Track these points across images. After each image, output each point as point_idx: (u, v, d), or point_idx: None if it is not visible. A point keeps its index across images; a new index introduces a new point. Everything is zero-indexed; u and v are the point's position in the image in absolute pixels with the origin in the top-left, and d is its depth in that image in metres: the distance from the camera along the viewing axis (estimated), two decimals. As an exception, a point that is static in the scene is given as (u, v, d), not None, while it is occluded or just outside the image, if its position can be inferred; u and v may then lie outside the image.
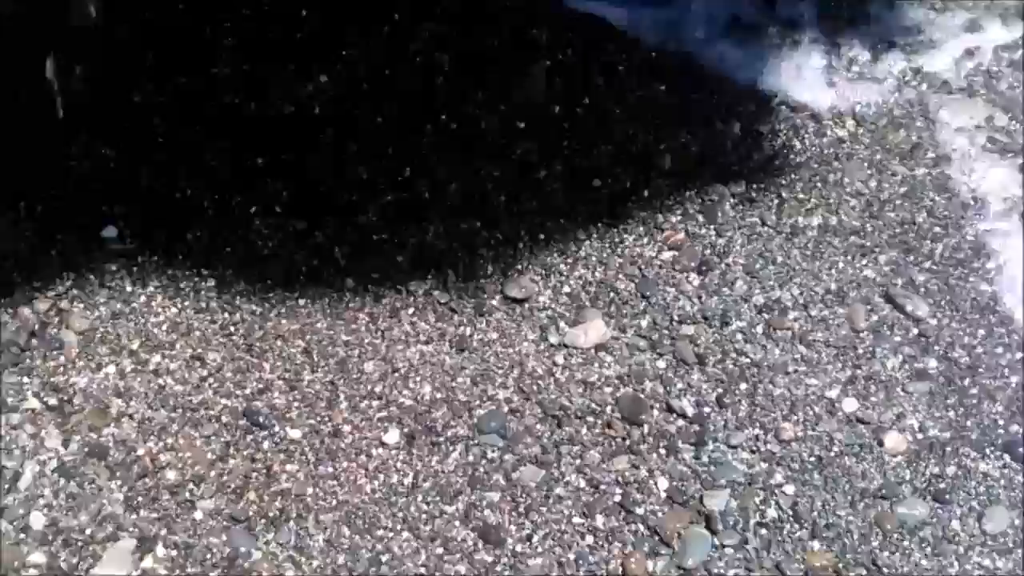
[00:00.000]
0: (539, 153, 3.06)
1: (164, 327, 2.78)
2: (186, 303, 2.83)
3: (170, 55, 3.22)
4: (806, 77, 3.16)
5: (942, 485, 2.50)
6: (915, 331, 2.71)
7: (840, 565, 2.40)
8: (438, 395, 2.67)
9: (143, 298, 2.83)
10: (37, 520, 2.45)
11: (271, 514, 2.47)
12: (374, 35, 3.28)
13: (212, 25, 3.27)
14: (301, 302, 2.82)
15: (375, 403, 2.65)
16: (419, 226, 2.93)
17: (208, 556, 2.42)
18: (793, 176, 2.97)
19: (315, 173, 3.02)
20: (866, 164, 2.97)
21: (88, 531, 2.44)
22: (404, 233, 2.93)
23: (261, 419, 2.61)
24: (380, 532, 2.46)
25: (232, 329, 2.77)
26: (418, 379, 2.69)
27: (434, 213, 2.96)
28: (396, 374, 2.70)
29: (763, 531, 2.46)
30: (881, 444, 2.56)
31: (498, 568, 2.41)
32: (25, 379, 2.66)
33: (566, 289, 2.84)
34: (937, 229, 2.85)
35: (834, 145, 3.01)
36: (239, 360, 2.72)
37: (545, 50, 3.25)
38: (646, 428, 2.61)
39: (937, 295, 2.76)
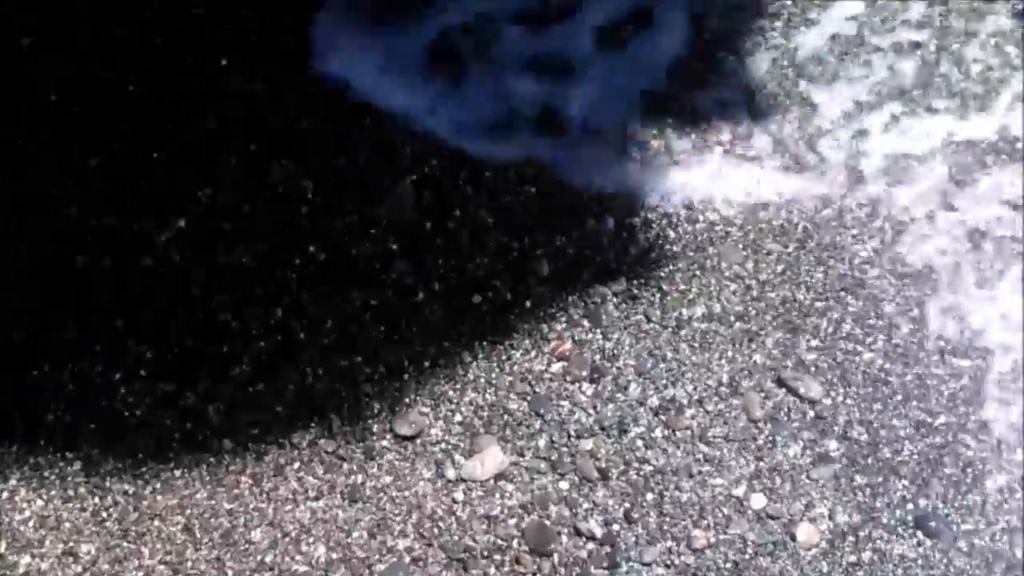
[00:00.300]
0: (415, 274, 2.96)
1: (31, 523, 2.57)
2: (52, 493, 2.62)
3: (8, 215, 3.05)
4: (674, 164, 3.14)
5: (860, 574, 2.45)
6: (811, 414, 2.67)
7: (771, 676, 2.32)
8: (334, 555, 2.52)
9: (5, 494, 2.61)
10: None
11: None
12: (231, 169, 3.16)
13: (53, 178, 3.12)
14: (177, 473, 2.64)
15: (266, 575, 2.49)
16: (297, 371, 2.80)
17: None
18: (671, 267, 2.93)
19: (180, 328, 2.87)
20: (741, 246, 2.95)
21: None
22: (281, 381, 2.78)
23: (144, 614, 2.42)
24: None
25: (105, 515, 2.58)
26: (311, 540, 2.54)
27: (311, 354, 2.82)
28: (287, 539, 2.54)
29: (689, 652, 2.36)
30: (794, 539, 2.50)
31: None
32: None
33: (457, 418, 2.73)
34: (819, 304, 2.84)
35: (708, 230, 2.98)
36: (115, 548, 2.52)
37: (410, 165, 3.18)
38: (556, 558, 2.50)
39: (828, 372, 2.73)
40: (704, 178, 3.10)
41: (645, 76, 3.36)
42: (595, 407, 2.72)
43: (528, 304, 2.89)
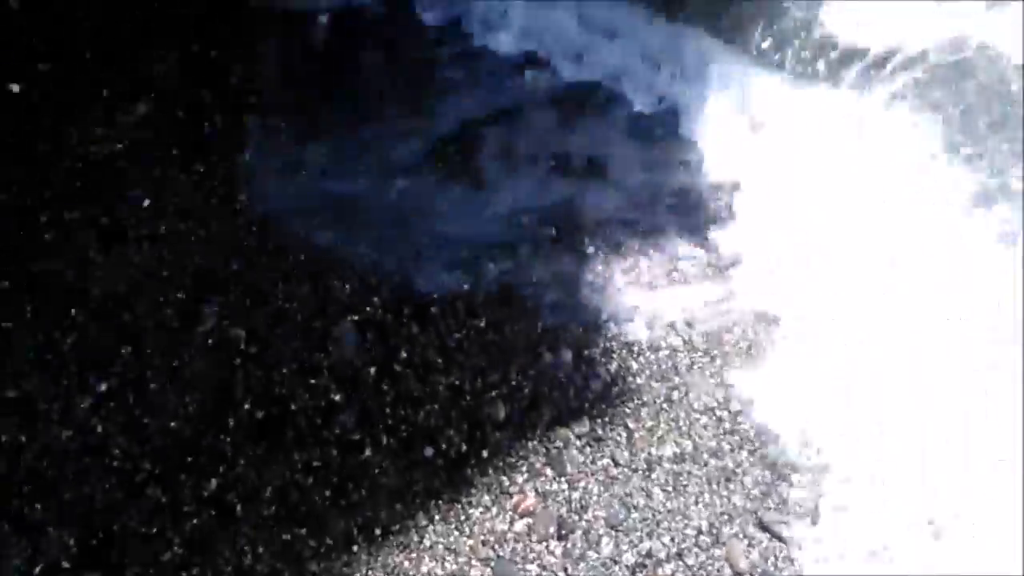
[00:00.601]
0: (360, 428, 2.72)
1: None
2: None
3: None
4: (629, 286, 2.96)
5: None
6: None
7: None
8: None
9: None
10: None
11: None
12: (156, 320, 2.92)
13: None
14: None
15: None
16: (234, 549, 2.52)
17: None
18: (636, 401, 2.72)
19: (105, 508, 2.60)
20: (708, 373, 2.76)
21: None
22: (217, 562, 2.51)
23: None
24: None
25: None
26: None
27: (250, 529, 2.55)
28: None
29: None
30: None
31: None
32: None
33: (414, 593, 2.48)
34: (798, 433, 2.65)
35: (671, 357, 2.79)
36: None
37: (350, 304, 2.97)
38: None
39: (814, 510, 2.52)
40: (666, 299, 2.92)
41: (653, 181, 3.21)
42: (566, 569, 2.47)
43: (485, 454, 2.66)
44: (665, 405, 2.71)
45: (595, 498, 2.58)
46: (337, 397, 2.78)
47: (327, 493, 2.61)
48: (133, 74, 3.49)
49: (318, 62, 3.51)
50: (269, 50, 3.56)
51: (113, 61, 3.51)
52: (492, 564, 2.49)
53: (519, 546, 2.52)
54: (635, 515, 2.54)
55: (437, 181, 3.24)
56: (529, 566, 2.49)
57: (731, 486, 2.57)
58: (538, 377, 2.78)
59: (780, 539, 2.47)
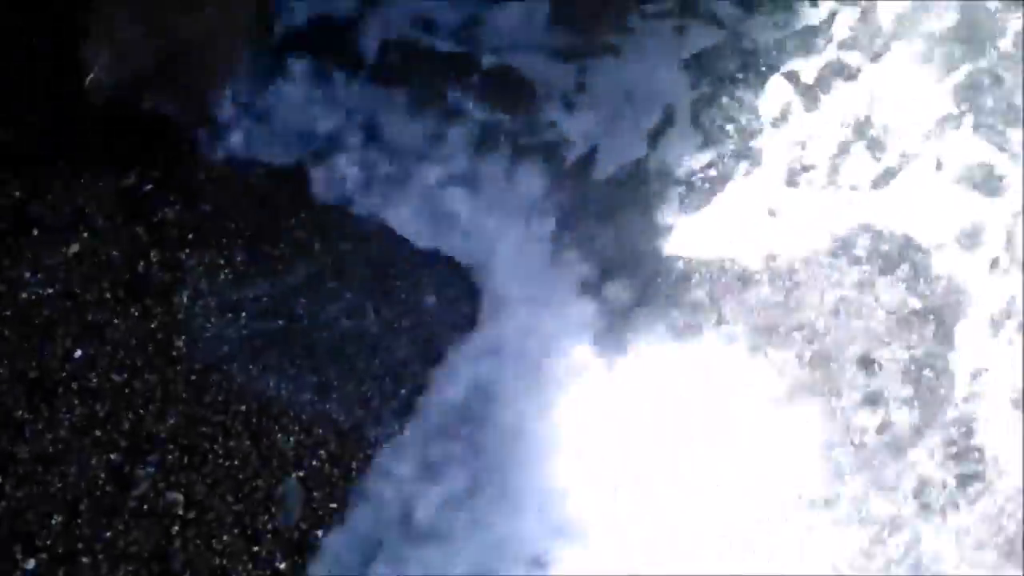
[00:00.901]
0: (310, 602, 2.61)
1: None
2: None
3: None
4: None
5: None
6: None
7: None
8: None
9: None
10: None
11: None
12: (87, 486, 2.77)
13: None
14: None
15: None
16: None
17: None
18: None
19: None
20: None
21: None
22: None
23: None
24: None
25: None
26: None
27: None
28: None
29: None
30: None
31: None
32: None
33: None
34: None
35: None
36: None
37: (295, 459, 2.85)
38: None
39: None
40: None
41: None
42: None
43: (443, 622, 2.56)
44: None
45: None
46: (282, 566, 2.65)
47: None
48: (63, 211, 3.37)
49: (256, 197, 3.42)
50: (206, 184, 3.46)
51: (42, 197, 3.39)
52: None
53: None
54: None
55: (381, 319, 3.16)
56: None
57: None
58: (493, 535, 2.69)
59: None
